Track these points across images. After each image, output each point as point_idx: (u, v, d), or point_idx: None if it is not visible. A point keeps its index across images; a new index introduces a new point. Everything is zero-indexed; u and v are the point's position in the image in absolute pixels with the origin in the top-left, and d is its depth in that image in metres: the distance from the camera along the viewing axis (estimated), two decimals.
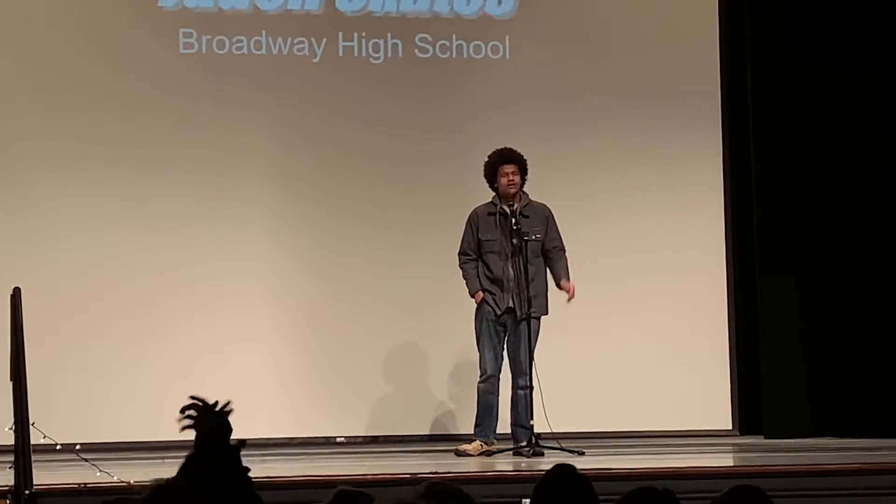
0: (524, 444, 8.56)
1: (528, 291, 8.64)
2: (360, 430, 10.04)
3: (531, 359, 8.72)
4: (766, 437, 10.24)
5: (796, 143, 10.95)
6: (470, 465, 8.24)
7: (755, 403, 10.67)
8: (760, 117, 11.00)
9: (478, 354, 8.98)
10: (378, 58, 10.35)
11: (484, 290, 8.79)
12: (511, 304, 8.65)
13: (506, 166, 8.72)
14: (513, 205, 8.73)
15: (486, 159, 8.90)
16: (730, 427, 10.52)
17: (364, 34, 10.33)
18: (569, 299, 8.83)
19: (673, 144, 10.72)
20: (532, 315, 8.68)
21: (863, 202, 10.82)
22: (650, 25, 10.86)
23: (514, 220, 8.67)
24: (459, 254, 8.87)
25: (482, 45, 10.42)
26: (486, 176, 8.87)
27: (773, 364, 10.73)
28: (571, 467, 3.82)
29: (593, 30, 10.77)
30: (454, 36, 10.40)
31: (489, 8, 10.49)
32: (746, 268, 10.99)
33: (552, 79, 10.60)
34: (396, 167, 10.42)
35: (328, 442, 9.75)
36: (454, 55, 10.45)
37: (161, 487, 2.68)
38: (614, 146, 10.64)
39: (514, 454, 8.53)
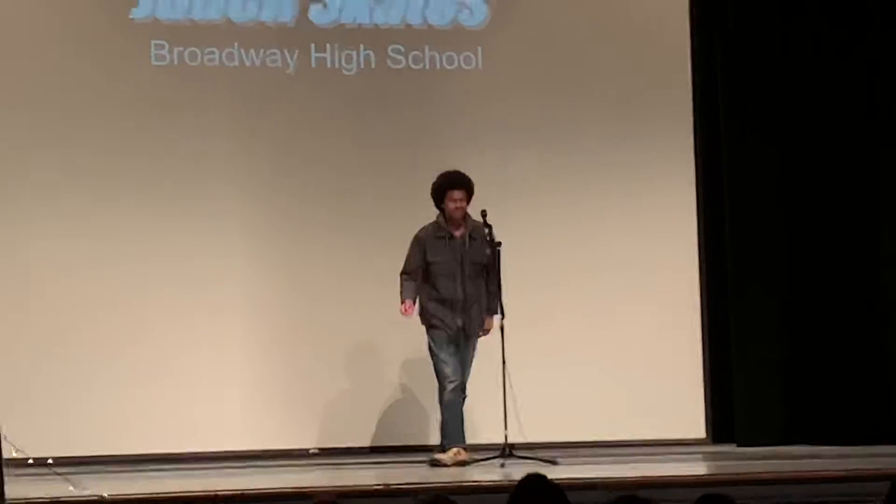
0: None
1: (474, 310, 8.79)
2: (334, 442, 9.87)
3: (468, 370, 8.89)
4: (738, 445, 10.16)
5: (768, 148, 10.91)
6: (443, 476, 8.09)
7: (727, 412, 10.63)
8: (732, 122, 10.93)
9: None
10: (351, 69, 10.25)
11: (431, 313, 8.83)
12: (460, 324, 8.75)
13: (455, 192, 8.80)
14: (461, 228, 8.82)
15: (436, 180, 8.95)
16: (703, 435, 10.48)
17: (337, 45, 10.23)
18: (484, 333, 8.93)
19: (644, 150, 10.63)
20: (469, 332, 8.86)
21: (835, 207, 10.76)
22: (621, 32, 10.82)
23: (466, 245, 8.75)
24: (402, 273, 8.87)
25: (455, 56, 10.34)
26: (433, 196, 8.95)
27: (746, 372, 10.70)
28: (543, 477, 3.68)
29: (565, 39, 10.67)
30: (427, 47, 10.33)
31: (462, 18, 10.37)
32: (719, 275, 10.92)
33: (525, 88, 10.52)
34: (370, 177, 10.28)
35: (301, 454, 9.58)
36: (427, 66, 10.36)
37: None
38: (586, 153, 10.55)
39: (487, 463, 8.42)
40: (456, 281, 8.81)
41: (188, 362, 9.81)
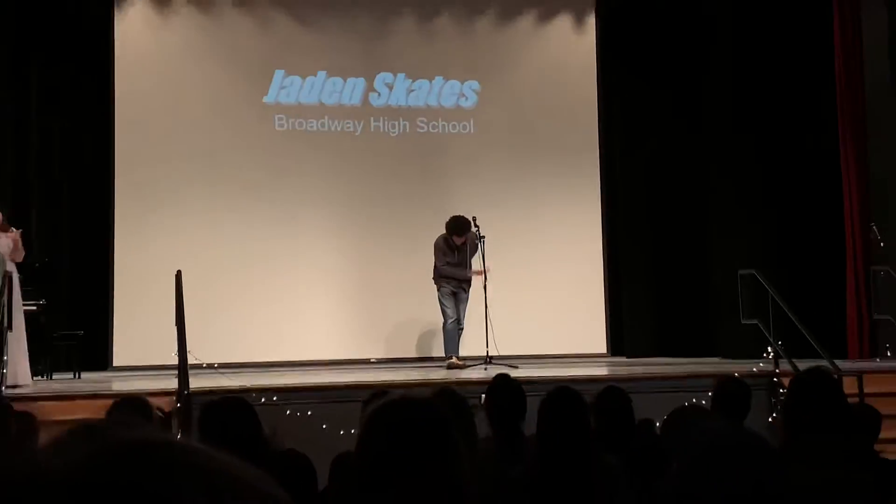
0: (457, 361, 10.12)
1: (464, 283, 10.45)
2: (385, 354, 11.63)
3: (463, 314, 10.44)
4: (627, 357, 12.06)
5: (646, 162, 12.58)
6: (448, 375, 9.21)
7: (619, 335, 12.47)
8: (622, 161, 12.77)
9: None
10: (394, 132, 12.10)
11: (445, 280, 10.41)
12: (455, 289, 10.43)
13: (457, 238, 10.33)
14: (463, 242, 10.42)
15: (450, 221, 10.34)
16: (605, 351, 12.33)
17: (385, 118, 12.10)
18: (478, 274, 10.34)
19: (572, 176, 12.49)
20: (465, 290, 10.48)
21: (680, 203, 12.47)
22: (554, 111, 12.52)
23: (466, 249, 10.42)
24: (438, 251, 10.42)
25: (457, 125, 12.26)
26: (447, 227, 10.34)
27: (630, 310, 12.56)
28: (507, 375, 4.70)
29: (523, 116, 12.43)
30: (440, 119, 12.21)
31: (461, 103, 12.28)
32: (613, 247, 12.71)
33: (500, 144, 12.26)
34: (402, 196, 11.93)
35: (365, 361, 11.25)
36: (440, 131, 12.24)
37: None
38: (538, 179, 12.27)
39: (476, 367, 9.80)
40: (456, 267, 10.45)
41: (297, 304, 11.49)
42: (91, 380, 9.78)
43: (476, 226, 10.38)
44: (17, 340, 8.54)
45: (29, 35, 11.10)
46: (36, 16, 11.15)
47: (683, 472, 1.86)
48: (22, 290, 9.01)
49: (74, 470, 0.49)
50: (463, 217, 10.36)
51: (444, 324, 10.45)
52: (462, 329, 10.46)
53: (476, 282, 10.42)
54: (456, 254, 10.41)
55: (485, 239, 10.41)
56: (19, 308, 8.80)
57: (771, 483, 1.86)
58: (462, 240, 10.38)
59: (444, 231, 10.41)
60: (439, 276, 10.45)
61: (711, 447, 1.84)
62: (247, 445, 3.36)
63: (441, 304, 10.48)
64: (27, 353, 8.84)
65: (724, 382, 5.28)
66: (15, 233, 9.01)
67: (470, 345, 10.58)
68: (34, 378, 9.09)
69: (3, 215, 9.04)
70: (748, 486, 1.85)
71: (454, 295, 10.47)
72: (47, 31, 11.37)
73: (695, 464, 1.83)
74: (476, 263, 10.44)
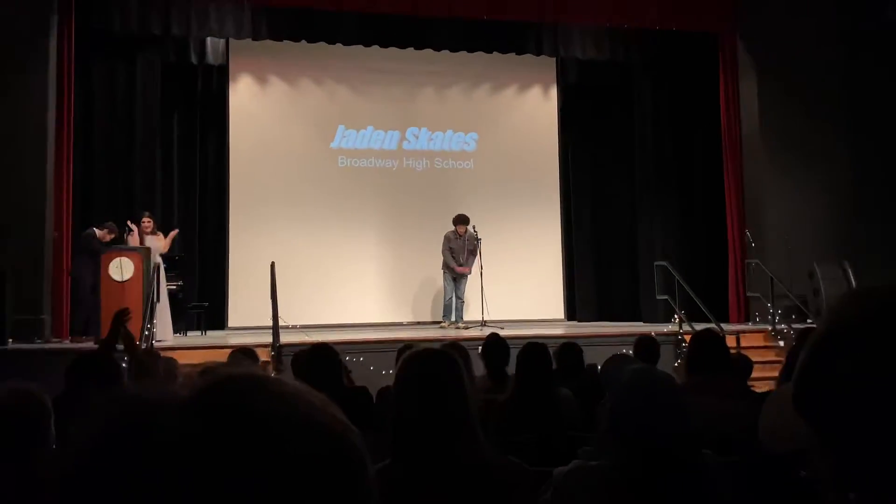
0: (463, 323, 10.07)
1: (465, 266, 10.22)
2: (412, 318, 11.41)
3: (463, 292, 10.29)
4: (578, 321, 11.85)
5: (592, 189, 12.31)
6: (453, 334, 9.21)
7: (573, 305, 12.25)
8: (575, 181, 12.41)
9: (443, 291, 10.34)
10: (419, 168, 11.97)
11: (448, 269, 10.29)
12: (454, 276, 10.27)
13: (460, 227, 10.28)
14: (464, 233, 10.27)
15: (456, 216, 10.36)
16: (563, 317, 12.14)
17: (413, 157, 11.95)
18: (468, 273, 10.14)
19: (539, 198, 12.16)
20: (463, 276, 10.29)
21: (620, 214, 12.20)
22: (527, 158, 12.17)
23: (465, 240, 10.30)
24: (446, 250, 10.29)
25: (462, 163, 12.07)
26: (453, 221, 10.35)
27: (581, 288, 12.23)
28: (496, 334, 4.74)
29: (506, 159, 12.09)
30: (450, 159, 12.05)
31: (464, 147, 12.07)
32: (569, 244, 12.26)
33: (491, 177, 11.98)
34: (423, 213, 11.58)
35: (396, 323, 11.10)
36: (451, 167, 12.06)
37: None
38: (516, 200, 11.94)
39: (475, 328, 9.59)
40: (459, 256, 10.31)
41: (352, 281, 11.26)
42: (213, 336, 9.80)
43: (474, 230, 10.26)
44: (163, 309, 8.56)
45: (172, 99, 10.98)
46: (177, 87, 11.09)
47: (615, 399, 1.90)
48: (166, 275, 9.02)
49: (195, 394, 0.49)
50: (463, 214, 10.33)
51: (444, 298, 10.44)
52: (463, 301, 10.33)
53: (474, 270, 10.25)
54: (458, 239, 10.28)
55: (481, 241, 10.35)
56: (164, 287, 8.82)
57: (675, 407, 1.87)
58: (463, 229, 10.21)
59: (453, 227, 10.37)
60: (445, 267, 10.36)
61: (634, 381, 1.87)
62: (329, 381, 3.33)
63: (444, 285, 10.45)
64: (170, 318, 8.85)
65: (642, 338, 5.31)
66: (172, 234, 9.32)
67: (472, 312, 10.38)
68: (175, 335, 9.12)
69: (154, 223, 9.12)
70: (659, 409, 1.87)
71: (454, 280, 10.35)
72: (184, 98, 11.25)
73: (622, 393, 1.87)
74: (469, 263, 10.34)
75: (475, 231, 10.30)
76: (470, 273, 10.23)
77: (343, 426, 0.50)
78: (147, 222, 9.00)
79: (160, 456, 0.45)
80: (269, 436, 0.46)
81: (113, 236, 8.82)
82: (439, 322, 10.61)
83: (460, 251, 10.27)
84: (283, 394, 0.50)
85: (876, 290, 0.59)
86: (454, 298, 10.31)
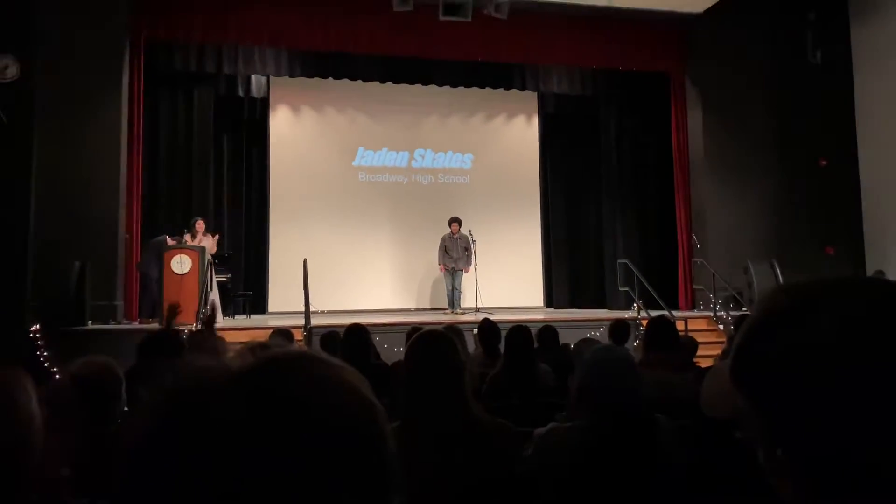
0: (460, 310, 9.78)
1: (459, 263, 9.98)
2: (416, 305, 11.24)
3: (459, 283, 10.02)
4: (555, 308, 11.58)
5: (566, 200, 12.06)
6: (452, 317, 9.00)
7: (551, 295, 11.96)
8: (553, 191, 12.14)
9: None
10: (425, 182, 11.76)
11: (443, 263, 10.03)
12: (453, 268, 10.01)
13: (453, 226, 10.14)
14: (457, 233, 10.05)
15: (450, 218, 10.21)
16: (542, 304, 11.86)
17: (421, 173, 11.78)
18: (466, 272, 9.93)
19: (522, 207, 11.92)
20: (459, 270, 10.02)
21: (589, 220, 11.76)
22: (513, 167, 11.94)
23: (458, 239, 10.10)
24: (441, 249, 10.09)
25: (460, 178, 11.90)
26: (448, 223, 10.20)
27: (557, 280, 11.86)
28: (488, 318, 4.72)
29: (495, 176, 11.87)
30: (450, 175, 11.88)
31: (462, 165, 11.90)
32: (547, 244, 12.03)
33: (484, 189, 11.80)
34: (428, 219, 11.25)
35: (405, 309, 10.94)
36: (451, 181, 11.86)
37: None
38: (504, 207, 11.73)
39: (470, 314, 9.44)
40: (453, 253, 10.09)
41: (367, 275, 11.07)
42: (256, 319, 9.63)
43: (470, 233, 10.12)
44: (215, 297, 8.48)
45: (223, 125, 10.81)
46: (227, 116, 10.93)
47: (581, 372, 1.90)
48: (216, 269, 9.03)
49: (246, 369, 0.48)
50: (454, 216, 10.21)
51: (446, 290, 10.23)
52: (459, 291, 10.08)
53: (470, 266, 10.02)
54: (451, 239, 10.07)
55: (475, 243, 10.21)
56: (214, 280, 8.81)
57: (629, 377, 1.86)
58: (455, 228, 10.03)
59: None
60: (442, 263, 10.17)
61: (597, 358, 1.87)
62: (360, 356, 3.34)
63: (444, 279, 10.26)
64: (220, 304, 8.78)
65: (615, 322, 5.20)
66: (216, 237, 9.22)
67: (467, 300, 10.24)
68: (224, 318, 9.09)
69: (204, 224, 9.08)
70: (618, 381, 1.86)
71: (451, 273, 10.12)
72: (233, 124, 11.08)
73: (587, 366, 1.87)
74: (463, 259, 10.10)
75: (470, 234, 10.13)
76: (466, 270, 10.00)
77: (371, 409, 0.49)
78: (200, 225, 8.98)
79: (210, 431, 0.44)
80: (304, 419, 0.45)
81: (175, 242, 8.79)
82: (442, 308, 10.39)
83: (453, 248, 10.04)
84: (321, 378, 0.48)
85: (798, 285, 0.59)
86: (452, 290, 10.07)
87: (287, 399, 0.46)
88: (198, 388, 0.46)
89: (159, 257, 8.40)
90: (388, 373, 3.68)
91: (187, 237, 8.77)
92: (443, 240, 10.07)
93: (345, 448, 0.45)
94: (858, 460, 0.52)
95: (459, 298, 10.05)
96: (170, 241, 8.74)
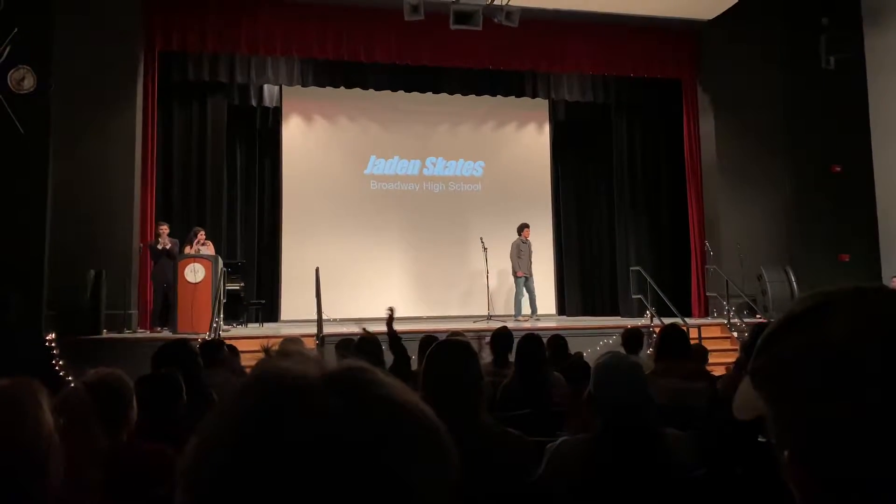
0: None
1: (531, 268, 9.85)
2: (436, 313, 10.82)
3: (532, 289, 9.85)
4: (567, 316, 11.55)
5: (577, 206, 12.07)
6: (465, 325, 8.43)
7: (563, 303, 11.92)
8: (564, 198, 12.16)
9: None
10: (438, 190, 11.74)
11: (521, 269, 9.80)
12: (525, 275, 9.87)
13: (526, 230, 10.05)
14: (528, 239, 9.97)
15: (521, 224, 10.06)
16: (554, 312, 11.66)
17: (432, 181, 11.75)
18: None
19: (534, 214, 11.51)
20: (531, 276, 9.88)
21: (602, 226, 11.74)
22: (525, 175, 11.85)
23: (528, 246, 9.93)
24: (514, 255, 9.92)
25: (472, 185, 11.85)
26: (518, 229, 10.01)
27: (569, 288, 11.89)
28: (505, 327, 4.57)
29: (507, 180, 11.78)
30: (462, 183, 11.85)
31: (473, 173, 11.85)
32: (559, 251, 11.98)
33: (496, 197, 11.70)
34: (439, 227, 11.44)
35: (424, 316, 10.46)
36: (463, 189, 11.83)
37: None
38: (515, 215, 11.03)
39: (481, 321, 9.27)
40: (527, 258, 10.02)
41: (379, 282, 10.91)
42: (268, 327, 9.62)
43: (481, 240, 10.26)
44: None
45: (236, 134, 10.91)
46: (240, 124, 11.00)
47: (594, 380, 1.90)
48: (229, 277, 9.10)
49: (329, 375, 0.49)
50: (525, 222, 10.08)
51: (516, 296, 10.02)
52: (535, 296, 10.03)
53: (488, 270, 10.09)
54: (524, 244, 10.00)
55: (487, 250, 10.30)
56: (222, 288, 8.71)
57: (637, 385, 1.87)
58: (528, 233, 9.99)
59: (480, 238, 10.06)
60: (518, 268, 9.93)
61: (608, 366, 1.88)
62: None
63: (516, 285, 10.04)
64: (233, 312, 8.95)
65: (629, 330, 5.22)
66: (211, 246, 9.06)
67: (479, 307, 10.41)
68: (237, 326, 9.16)
69: (204, 233, 9.05)
70: (629, 388, 1.87)
71: (525, 279, 10.06)
72: (246, 133, 11.17)
73: (596, 376, 1.87)
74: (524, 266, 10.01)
75: (482, 241, 10.22)
76: (527, 275, 9.83)
77: (427, 409, 0.51)
78: (201, 235, 8.88)
79: (309, 425, 0.45)
80: (391, 414, 0.47)
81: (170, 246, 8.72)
82: (453, 316, 10.38)
83: (527, 253, 9.95)
84: (389, 382, 0.51)
85: (823, 291, 0.59)
86: (527, 295, 9.91)
87: (377, 398, 0.48)
88: (292, 385, 0.47)
89: (172, 265, 8.44)
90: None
91: (187, 247, 8.72)
92: (516, 246, 9.88)
93: (422, 441, 0.48)
94: (868, 464, 0.52)
95: (535, 303, 9.84)
96: (161, 243, 8.74)
